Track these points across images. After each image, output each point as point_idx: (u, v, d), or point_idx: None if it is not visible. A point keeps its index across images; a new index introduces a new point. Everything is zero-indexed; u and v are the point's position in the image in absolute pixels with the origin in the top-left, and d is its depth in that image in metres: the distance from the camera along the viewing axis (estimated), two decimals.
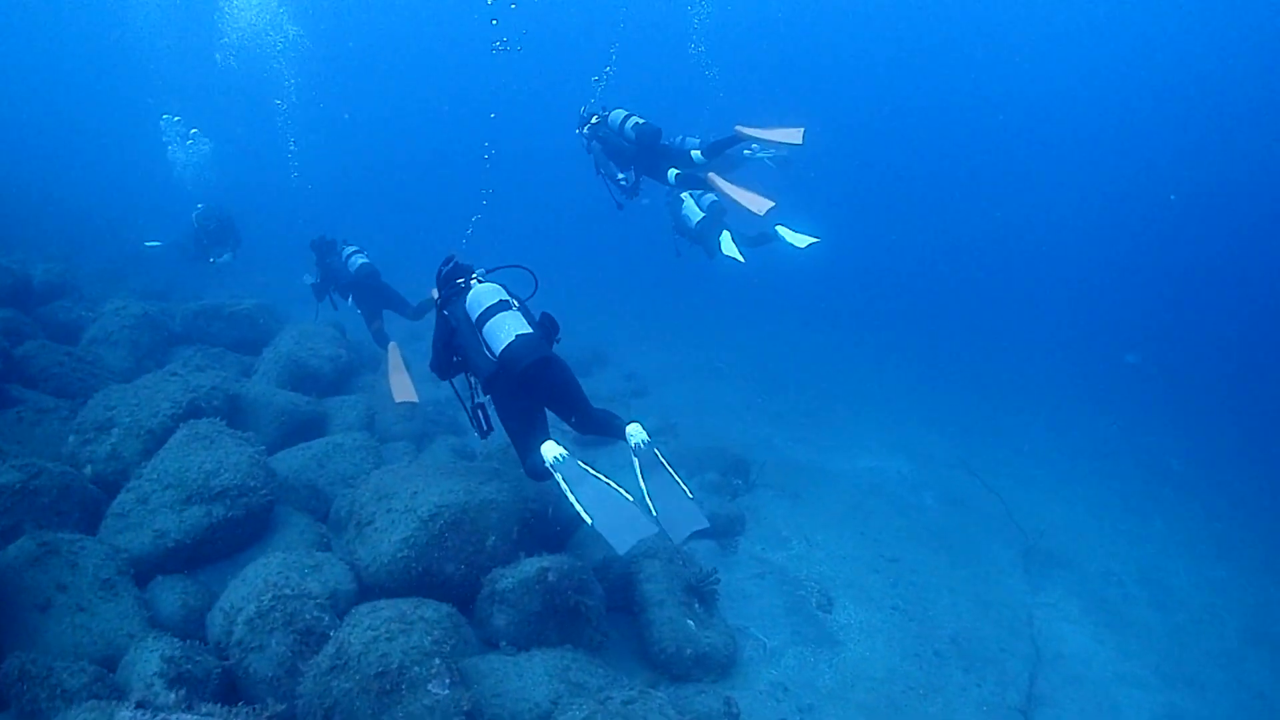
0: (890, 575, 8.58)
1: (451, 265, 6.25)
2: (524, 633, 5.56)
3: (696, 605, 6.53)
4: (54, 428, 6.76)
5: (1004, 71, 39.00)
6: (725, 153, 9.91)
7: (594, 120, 10.41)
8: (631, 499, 5.24)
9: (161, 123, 18.78)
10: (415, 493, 5.78)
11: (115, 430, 6.43)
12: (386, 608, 4.82)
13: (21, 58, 42.66)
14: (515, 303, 5.83)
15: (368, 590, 5.65)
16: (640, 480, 5.57)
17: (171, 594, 5.38)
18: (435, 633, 4.67)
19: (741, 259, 10.01)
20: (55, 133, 33.95)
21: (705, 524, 5.60)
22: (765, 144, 9.97)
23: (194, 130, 18.85)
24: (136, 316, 8.65)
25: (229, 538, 5.84)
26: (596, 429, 6.01)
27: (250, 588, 5.18)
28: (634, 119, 10.00)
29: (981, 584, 8.86)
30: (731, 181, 9.78)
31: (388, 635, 4.50)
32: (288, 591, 4.83)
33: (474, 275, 6.13)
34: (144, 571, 5.49)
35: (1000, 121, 38.82)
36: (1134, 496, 12.22)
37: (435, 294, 6.33)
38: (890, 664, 7.13)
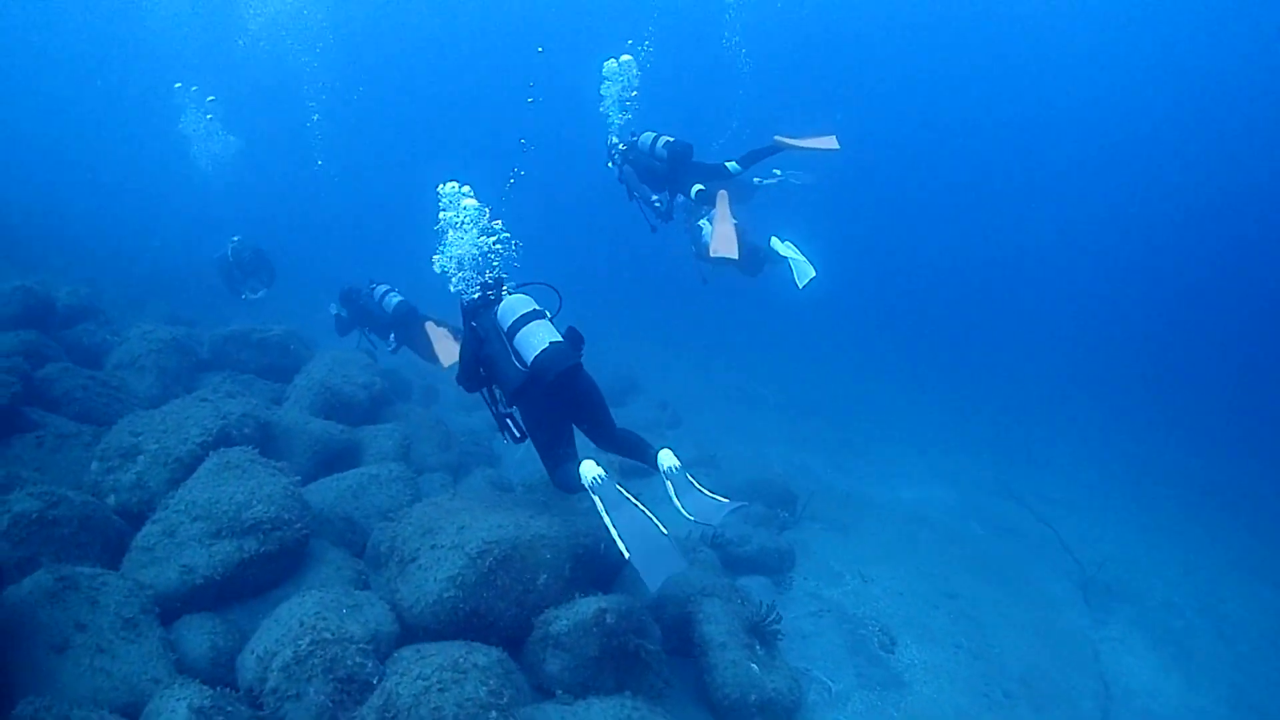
0: (950, 611, 8.05)
1: (480, 281, 6.10)
2: (579, 679, 5.00)
3: (758, 647, 5.95)
4: (76, 454, 6.25)
5: (1038, 89, 37.78)
6: (754, 165, 9.47)
7: (623, 148, 10.09)
8: (666, 532, 4.94)
9: (175, 89, 17.75)
10: (462, 528, 5.24)
11: (141, 457, 5.91)
12: (436, 653, 4.28)
13: (45, 75, 42.15)
14: (547, 313, 5.70)
15: (410, 632, 5.10)
16: (676, 501, 5.28)
17: (199, 634, 4.84)
18: (490, 682, 4.13)
19: (801, 255, 9.52)
20: (79, 151, 33.55)
21: (745, 504, 5.44)
22: (796, 162, 9.53)
23: (210, 98, 18.01)
24: (164, 341, 8.13)
25: (261, 574, 5.29)
26: (621, 449, 5.73)
27: (285, 629, 4.66)
28: (664, 138, 9.67)
29: (1043, 618, 8.41)
30: (736, 216, 9.51)
31: (439, 685, 3.95)
32: (327, 635, 4.29)
33: (505, 288, 5.97)
34: (170, 609, 4.95)
35: (1027, 143, 37.85)
36: (1178, 522, 11.66)
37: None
38: (959, 706, 6.60)
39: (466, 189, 6.34)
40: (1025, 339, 24.84)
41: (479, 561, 5.01)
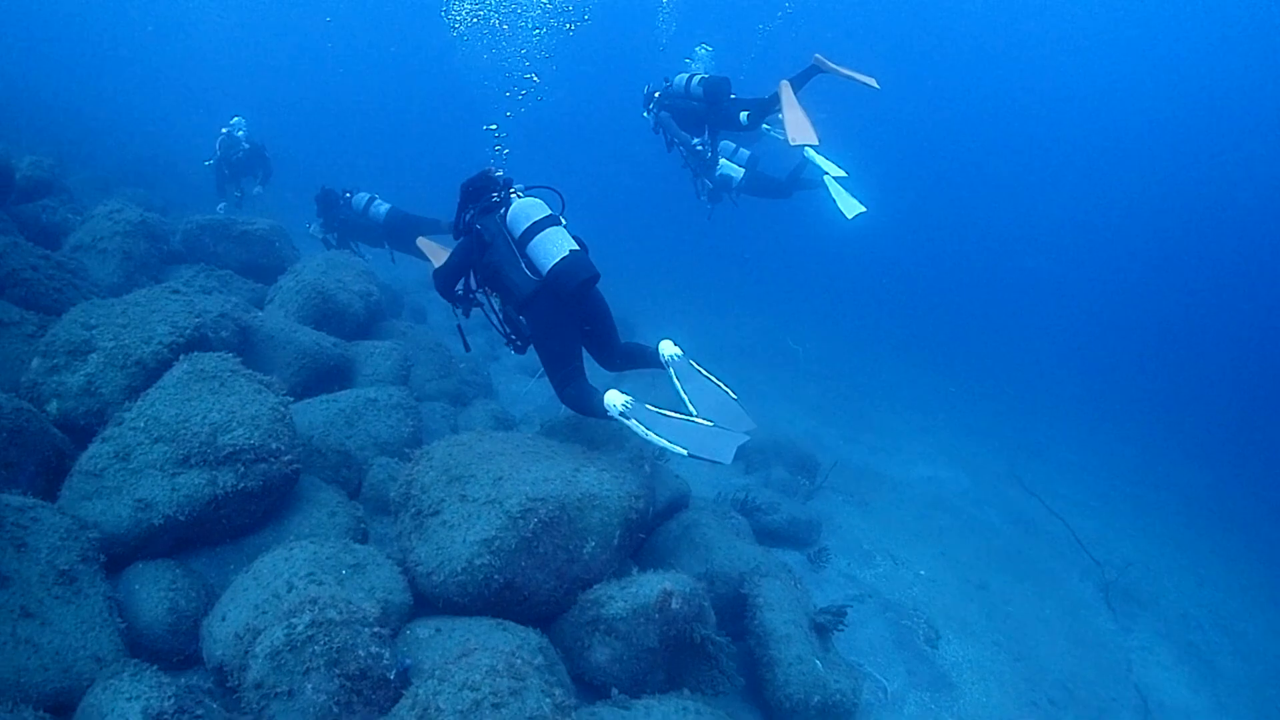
0: (983, 604, 7.23)
1: (484, 178, 5.30)
2: (630, 671, 3.89)
3: (815, 638, 4.89)
4: (15, 348, 4.82)
5: (1078, 78, 35.92)
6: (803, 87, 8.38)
7: (657, 95, 9.08)
8: (710, 423, 4.44)
9: None
10: (499, 478, 4.01)
11: (93, 356, 4.53)
12: (480, 649, 3.08)
13: None
14: (562, 220, 5.02)
15: (423, 601, 3.91)
16: (680, 390, 4.86)
17: (155, 590, 3.59)
18: (555, 692, 2.96)
19: (841, 170, 8.53)
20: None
21: (753, 426, 4.82)
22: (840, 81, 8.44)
23: None
24: (133, 223, 6.55)
25: (237, 515, 4.01)
26: (626, 361, 5.24)
27: (268, 593, 3.46)
28: (698, 75, 8.71)
29: (1072, 620, 7.69)
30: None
31: (494, 699, 2.78)
32: (333, 614, 3.05)
33: (514, 190, 5.18)
34: (118, 555, 3.68)
35: (1056, 139, 36.06)
36: (1184, 534, 10.92)
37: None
38: (1009, 713, 5.82)
39: None
40: (1038, 332, 23.62)
41: (521, 523, 3.81)
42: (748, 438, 4.50)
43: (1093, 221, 34.00)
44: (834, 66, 7.99)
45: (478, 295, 5.38)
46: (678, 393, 4.90)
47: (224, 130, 11.47)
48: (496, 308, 5.27)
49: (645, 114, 9.29)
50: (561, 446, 4.76)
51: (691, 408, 4.76)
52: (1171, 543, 10.27)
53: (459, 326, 5.58)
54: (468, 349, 5.83)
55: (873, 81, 7.93)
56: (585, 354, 5.20)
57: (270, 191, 11.90)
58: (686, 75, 8.81)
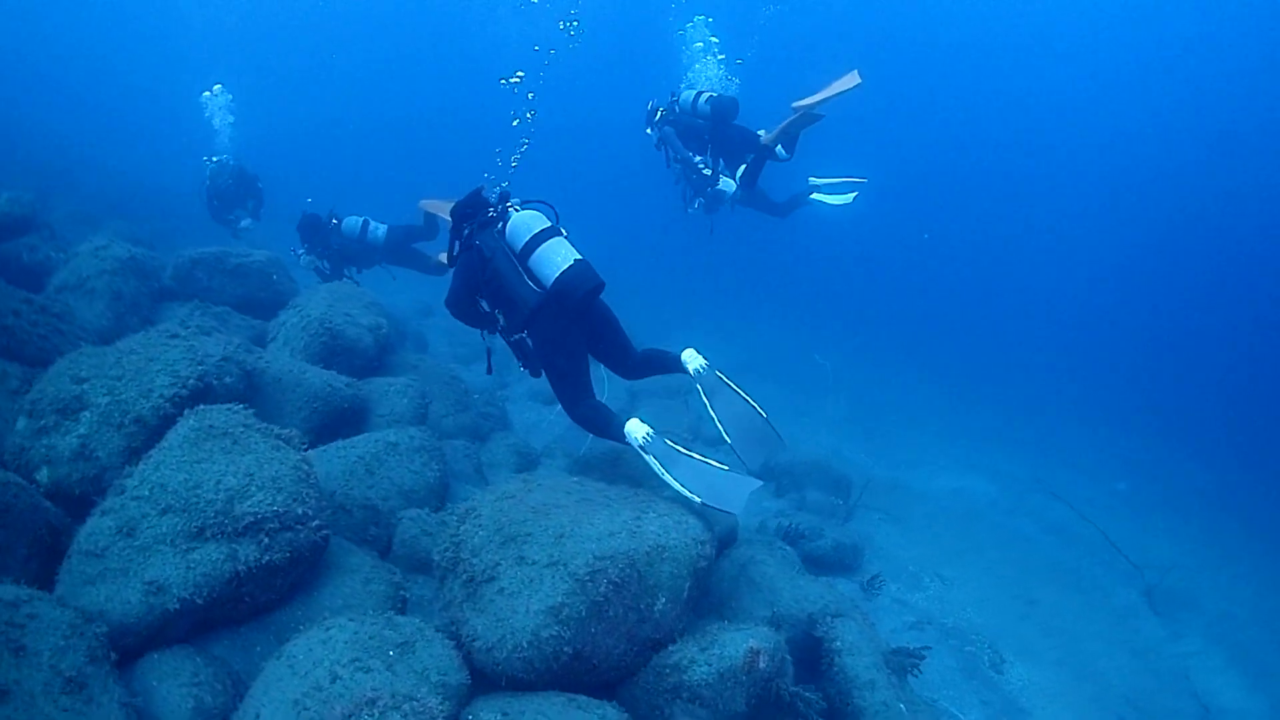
0: (1037, 622, 6.90)
1: (476, 197, 5.14)
2: None
3: (894, 679, 4.42)
4: None
5: (1087, 80, 35.17)
6: (795, 144, 8.23)
7: (661, 114, 8.80)
8: (727, 468, 4.35)
9: None
10: (561, 536, 3.49)
11: (86, 414, 3.97)
12: None
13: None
14: (563, 231, 4.84)
15: (478, 676, 3.38)
16: (708, 406, 4.78)
17: (175, 686, 3.05)
18: None
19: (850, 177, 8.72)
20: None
21: (784, 445, 4.89)
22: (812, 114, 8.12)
23: None
24: (121, 260, 5.96)
25: (262, 592, 3.46)
26: (645, 370, 5.04)
27: (308, 684, 2.96)
28: (707, 93, 8.44)
29: (1124, 629, 7.40)
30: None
31: None
32: (397, 718, 2.52)
33: (510, 204, 5.01)
34: (129, 646, 3.12)
35: (1069, 140, 35.25)
36: (1209, 528, 10.56)
37: (444, 257, 5.53)
38: None
39: None
40: (1053, 333, 22.88)
41: (590, 586, 3.30)
42: (761, 483, 4.40)
43: (1113, 222, 33.29)
44: (813, 99, 7.78)
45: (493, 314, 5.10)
46: (705, 409, 4.79)
47: (215, 159, 10.93)
48: (502, 326, 5.01)
49: (649, 130, 9.01)
50: (613, 490, 4.25)
51: (720, 427, 4.69)
52: (1201, 542, 9.91)
53: (488, 349, 5.38)
54: (490, 371, 5.64)
55: (854, 79, 7.63)
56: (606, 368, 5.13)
57: (261, 222, 11.29)
58: (694, 92, 8.54)
